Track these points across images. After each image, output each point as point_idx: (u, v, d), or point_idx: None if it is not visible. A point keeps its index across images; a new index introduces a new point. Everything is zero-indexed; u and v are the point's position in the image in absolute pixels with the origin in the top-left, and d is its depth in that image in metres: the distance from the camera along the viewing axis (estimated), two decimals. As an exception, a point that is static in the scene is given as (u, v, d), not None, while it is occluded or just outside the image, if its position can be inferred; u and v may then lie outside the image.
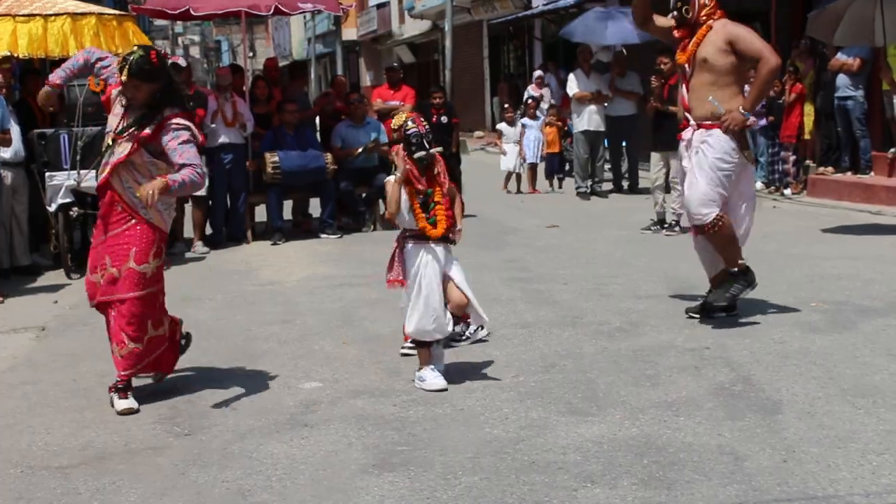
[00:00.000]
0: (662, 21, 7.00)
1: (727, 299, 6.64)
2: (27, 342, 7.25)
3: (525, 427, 4.88)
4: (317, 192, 11.98)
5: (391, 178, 5.62)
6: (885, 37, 10.60)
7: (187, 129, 5.43)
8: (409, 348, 6.05)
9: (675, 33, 6.83)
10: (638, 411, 5.01)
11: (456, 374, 5.77)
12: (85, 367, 6.37)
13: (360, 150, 12.06)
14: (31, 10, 10.10)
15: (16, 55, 10.13)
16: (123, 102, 5.47)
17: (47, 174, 9.57)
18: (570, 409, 5.11)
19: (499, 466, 4.39)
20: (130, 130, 5.40)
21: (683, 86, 6.83)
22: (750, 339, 6.25)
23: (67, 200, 9.57)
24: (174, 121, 5.41)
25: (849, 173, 13.22)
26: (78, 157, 9.49)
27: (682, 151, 6.83)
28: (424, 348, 5.60)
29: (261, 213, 12.21)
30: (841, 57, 12.92)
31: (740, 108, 6.57)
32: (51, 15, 10.05)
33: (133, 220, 5.43)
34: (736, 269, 6.67)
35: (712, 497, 3.98)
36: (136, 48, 5.47)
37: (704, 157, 6.58)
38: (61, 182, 9.53)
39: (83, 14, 10.28)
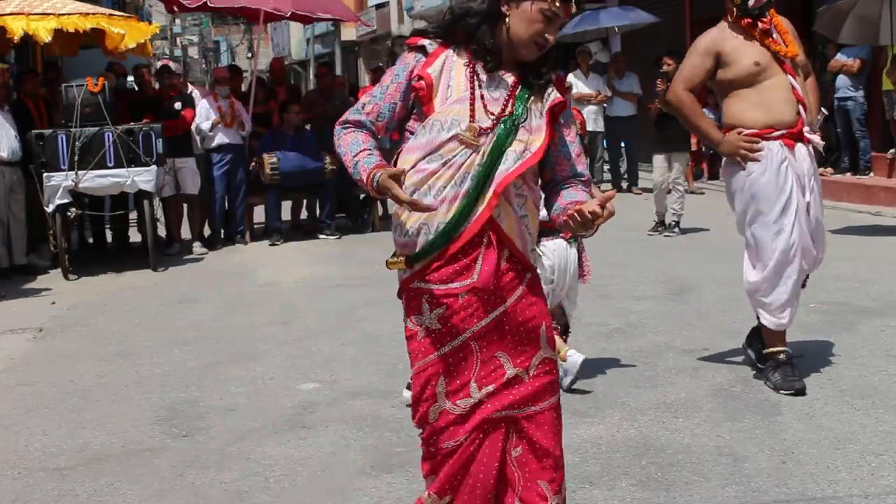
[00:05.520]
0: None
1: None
2: (24, 343, 7.24)
3: (523, 428, 4.86)
4: (316, 193, 11.97)
5: None
6: (893, 35, 10.60)
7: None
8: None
9: (742, 23, 5.18)
10: (636, 412, 5.00)
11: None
12: (82, 367, 6.37)
13: None
14: (42, 9, 10.18)
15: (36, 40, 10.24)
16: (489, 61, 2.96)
17: (45, 174, 9.58)
18: (568, 410, 5.07)
19: (497, 468, 4.37)
20: (529, 105, 2.99)
21: (791, 78, 5.20)
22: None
23: (65, 201, 9.59)
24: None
25: (848, 174, 13.22)
26: (76, 158, 9.50)
27: (790, 172, 5.21)
28: None
29: (259, 215, 12.20)
30: (841, 58, 12.92)
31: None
32: (63, 14, 10.15)
33: (528, 276, 3.06)
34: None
35: (711, 498, 3.97)
36: None
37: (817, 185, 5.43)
38: (59, 182, 9.54)
39: (93, 14, 10.44)
